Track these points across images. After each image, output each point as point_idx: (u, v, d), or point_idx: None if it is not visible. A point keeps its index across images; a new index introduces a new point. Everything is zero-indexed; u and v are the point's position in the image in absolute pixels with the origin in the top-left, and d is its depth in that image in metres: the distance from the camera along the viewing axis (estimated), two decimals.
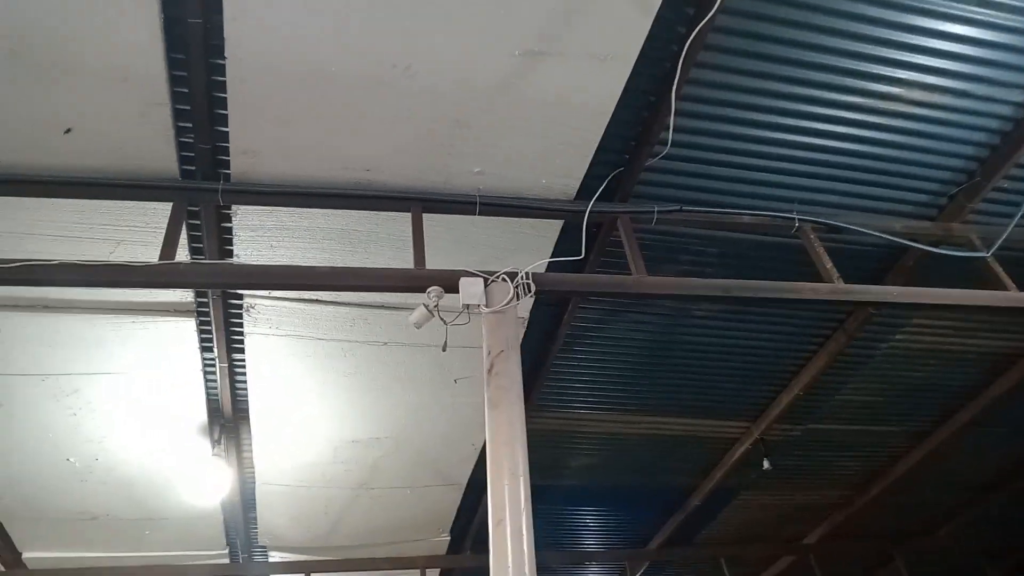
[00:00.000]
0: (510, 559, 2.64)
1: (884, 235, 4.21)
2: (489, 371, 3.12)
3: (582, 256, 3.83)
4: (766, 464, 6.11)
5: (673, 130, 3.53)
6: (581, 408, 5.79)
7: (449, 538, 7.12)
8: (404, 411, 5.34)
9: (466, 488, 6.27)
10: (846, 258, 4.10)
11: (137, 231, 3.74)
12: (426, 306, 3.21)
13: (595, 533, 7.83)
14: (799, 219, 4.09)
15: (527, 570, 2.61)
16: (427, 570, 7.24)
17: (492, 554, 2.65)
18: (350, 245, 4.03)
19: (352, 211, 3.81)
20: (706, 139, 3.82)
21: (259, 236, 3.95)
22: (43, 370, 4.62)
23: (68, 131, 3.21)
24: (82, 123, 3.24)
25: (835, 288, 3.82)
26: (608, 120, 3.50)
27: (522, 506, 2.75)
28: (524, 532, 2.70)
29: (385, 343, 4.69)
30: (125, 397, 4.89)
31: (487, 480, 2.85)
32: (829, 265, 3.92)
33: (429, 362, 4.87)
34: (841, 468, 6.97)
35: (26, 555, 6.42)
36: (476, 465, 5.83)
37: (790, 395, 5.66)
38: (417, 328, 3.31)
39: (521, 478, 2.83)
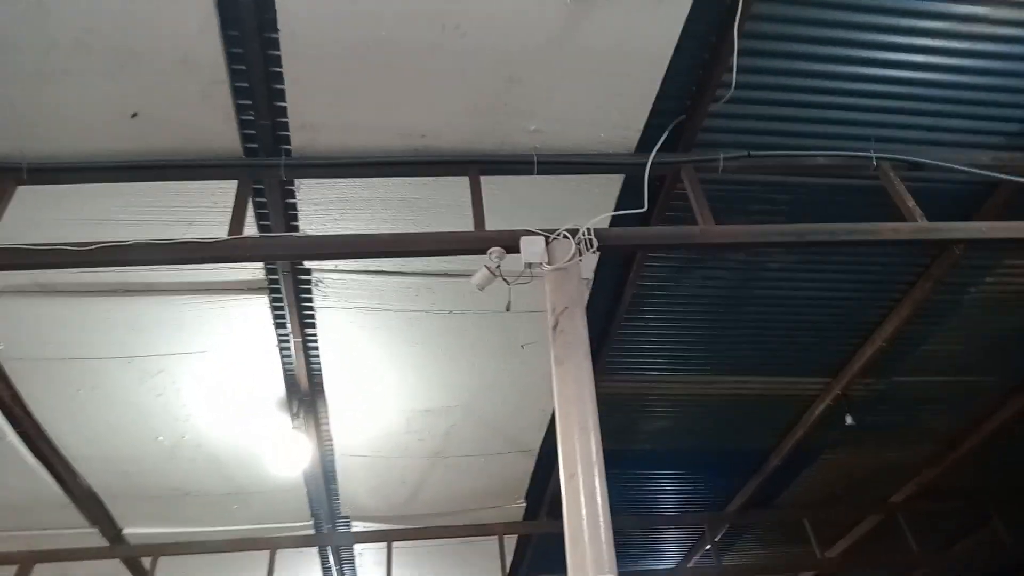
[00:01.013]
0: (584, 513, 2.61)
1: (971, 169, 3.94)
2: (554, 328, 3.08)
3: (645, 209, 3.72)
4: (849, 420, 5.89)
5: (737, 71, 3.37)
6: (652, 370, 5.69)
7: (525, 505, 7.17)
8: (473, 379, 5.36)
9: (539, 454, 6.28)
10: (931, 198, 3.85)
11: (207, 211, 3.84)
12: (488, 267, 3.19)
13: (672, 497, 7.74)
14: (877, 158, 3.87)
15: (601, 522, 2.57)
16: (505, 537, 7.35)
17: (565, 509, 2.63)
18: (411, 213, 4.03)
19: (411, 179, 3.80)
20: (772, 78, 3.64)
21: (323, 209, 3.99)
22: (128, 352, 4.83)
23: (134, 115, 3.29)
24: (147, 108, 3.32)
25: (918, 227, 3.61)
26: (667, 66, 3.37)
27: (593, 459, 2.72)
28: (597, 486, 2.67)
29: (450, 311, 4.70)
30: (207, 375, 5.07)
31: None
32: (911, 204, 3.70)
33: (496, 328, 4.87)
34: (929, 423, 6.65)
35: (126, 531, 6.78)
36: (548, 432, 5.82)
37: (873, 347, 5.41)
38: (480, 290, 3.29)
39: (592, 432, 2.79)
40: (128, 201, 3.70)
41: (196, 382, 5.11)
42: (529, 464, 6.48)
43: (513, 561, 7.79)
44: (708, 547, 7.82)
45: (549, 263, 3.24)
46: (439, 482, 6.59)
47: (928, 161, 3.92)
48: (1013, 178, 3.95)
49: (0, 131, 3.31)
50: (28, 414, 5.17)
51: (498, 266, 3.19)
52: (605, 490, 2.67)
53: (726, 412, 6.24)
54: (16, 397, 5.03)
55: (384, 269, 4.42)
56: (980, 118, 3.96)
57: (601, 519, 2.61)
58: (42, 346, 4.67)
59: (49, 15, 2.90)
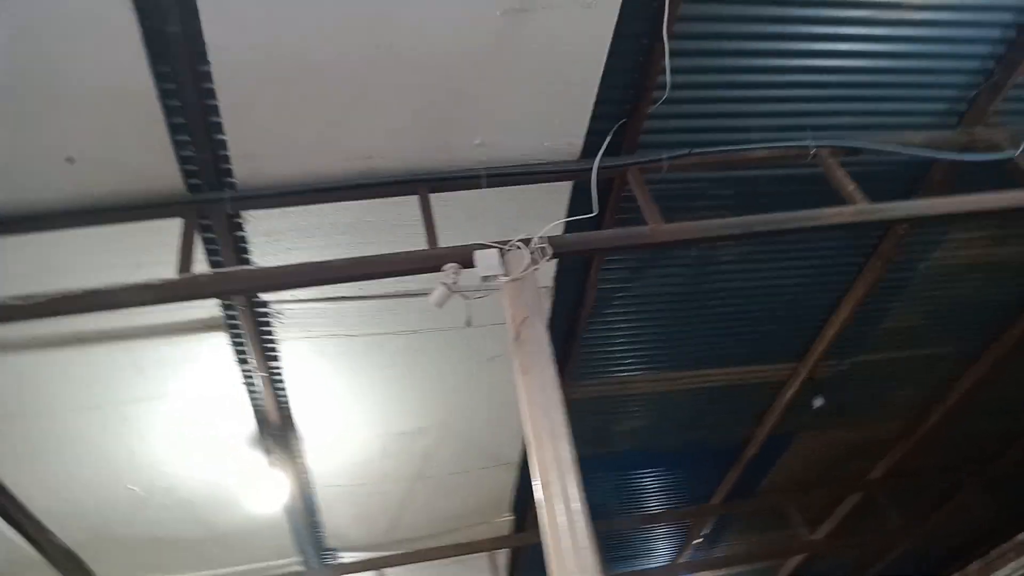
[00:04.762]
0: (561, 521, 2.60)
1: (906, 150, 4.06)
2: (516, 338, 3.09)
3: (596, 213, 3.77)
4: (817, 402, 5.99)
5: (671, 72, 3.44)
6: (620, 372, 5.73)
7: (513, 518, 7.15)
8: (445, 397, 5.35)
9: (520, 466, 6.27)
10: (870, 181, 3.94)
11: (153, 251, 3.78)
12: (444, 284, 3.19)
13: (656, 495, 7.77)
14: (815, 145, 3.97)
15: (580, 528, 2.57)
16: (495, 553, 7.33)
17: (543, 519, 2.62)
18: (363, 236, 4.02)
19: (361, 201, 3.80)
20: (706, 76, 3.72)
21: (274, 240, 3.97)
22: (89, 403, 4.73)
23: (70, 160, 3.25)
24: (83, 151, 3.28)
25: (860, 209, 3.70)
26: (602, 69, 3.43)
27: (566, 466, 2.71)
28: (572, 492, 2.66)
29: (415, 331, 4.70)
30: (172, 419, 4.99)
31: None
32: (852, 187, 3.79)
33: (461, 344, 4.87)
34: (896, 398, 6.79)
35: None
36: (523, 442, 5.82)
37: (833, 329, 5.52)
38: (439, 307, 3.29)
39: (562, 439, 2.79)
40: (72, 248, 3.63)
41: (163, 427, 5.02)
42: (511, 476, 6.47)
43: (510, 574, 7.79)
44: (696, 541, 7.88)
45: (505, 275, 3.26)
46: (422, 504, 6.56)
47: (864, 145, 4.03)
48: (945, 155, 4.08)
49: None
50: None
51: (455, 282, 3.20)
52: (581, 495, 2.65)
53: (697, 406, 6.31)
54: None
55: (342, 295, 4.40)
56: (909, 100, 4.09)
57: (580, 524, 2.59)
58: (1, 402, 4.57)
59: None
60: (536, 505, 2.69)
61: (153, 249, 3.74)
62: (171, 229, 3.63)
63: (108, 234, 3.60)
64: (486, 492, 6.67)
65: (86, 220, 3.48)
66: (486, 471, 6.40)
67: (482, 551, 7.26)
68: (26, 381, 4.46)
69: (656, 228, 3.56)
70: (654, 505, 7.95)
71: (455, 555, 7.04)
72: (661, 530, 8.54)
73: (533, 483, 2.75)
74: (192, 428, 5.10)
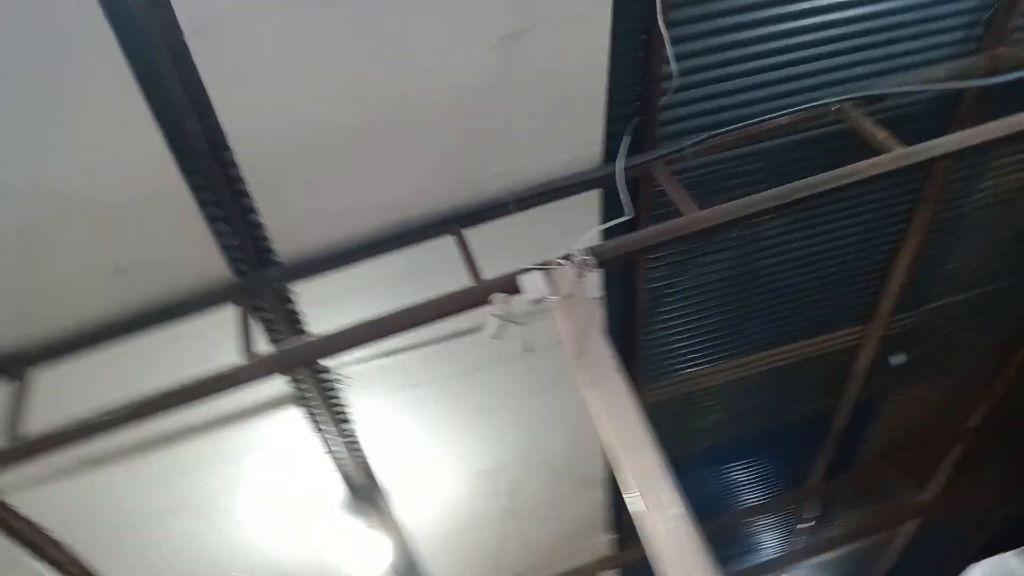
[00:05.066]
0: (663, 532, 2.53)
1: (929, 86, 3.96)
2: (578, 356, 3.08)
3: (631, 215, 3.76)
4: (897, 360, 5.80)
5: (674, 59, 3.44)
6: (688, 367, 5.65)
7: (616, 536, 7.05)
8: (519, 427, 5.34)
9: (609, 482, 6.19)
10: (901, 126, 3.84)
11: (214, 343, 3.90)
12: (496, 316, 3.21)
13: (753, 486, 7.58)
14: (836, 101, 3.89)
15: (685, 536, 2.48)
16: (600, 574, 7.22)
17: (645, 535, 2.55)
18: (411, 285, 4.03)
19: (399, 251, 3.86)
20: (711, 56, 3.69)
21: (325, 309, 4.04)
22: (182, 502, 4.85)
23: (120, 270, 3.39)
24: (131, 258, 3.42)
25: (897, 156, 3.60)
26: (606, 73, 3.45)
27: (658, 473, 2.65)
28: (668, 498, 2.59)
29: (478, 368, 4.71)
30: (262, 501, 5.08)
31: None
32: (883, 135, 3.70)
33: (526, 371, 4.87)
34: (979, 339, 6.53)
35: None
36: (606, 457, 5.76)
37: (896, 282, 5.36)
38: (497, 340, 3.30)
39: (646, 447, 2.74)
40: (128, 361, 3.76)
41: (254, 510, 5.12)
42: (599, 495, 6.40)
43: None
44: (806, 524, 7.62)
45: (554, 294, 3.25)
46: (519, 539, 6.52)
47: (886, 91, 3.94)
48: (971, 83, 3.96)
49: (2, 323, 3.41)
50: None
51: (506, 312, 3.21)
52: (679, 500, 2.56)
53: (773, 387, 6.16)
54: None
55: (400, 347, 4.46)
56: (922, 35, 3.98)
57: (684, 530, 2.51)
58: (101, 518, 4.72)
59: (10, 195, 3.01)
60: (634, 519, 2.64)
61: (214, 340, 3.86)
62: (226, 316, 3.76)
63: (167, 336, 3.72)
64: (577, 515, 6.61)
65: (144, 325, 3.61)
66: (574, 494, 6.35)
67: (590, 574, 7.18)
68: (119, 492, 4.60)
69: (692, 217, 3.52)
70: (753, 497, 7.75)
71: None
72: (766, 521, 8.32)
73: (626, 497, 2.70)
74: (282, 506, 5.18)
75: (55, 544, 4.76)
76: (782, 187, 3.50)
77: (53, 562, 4.79)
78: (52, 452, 3.35)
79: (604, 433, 2.87)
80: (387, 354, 4.46)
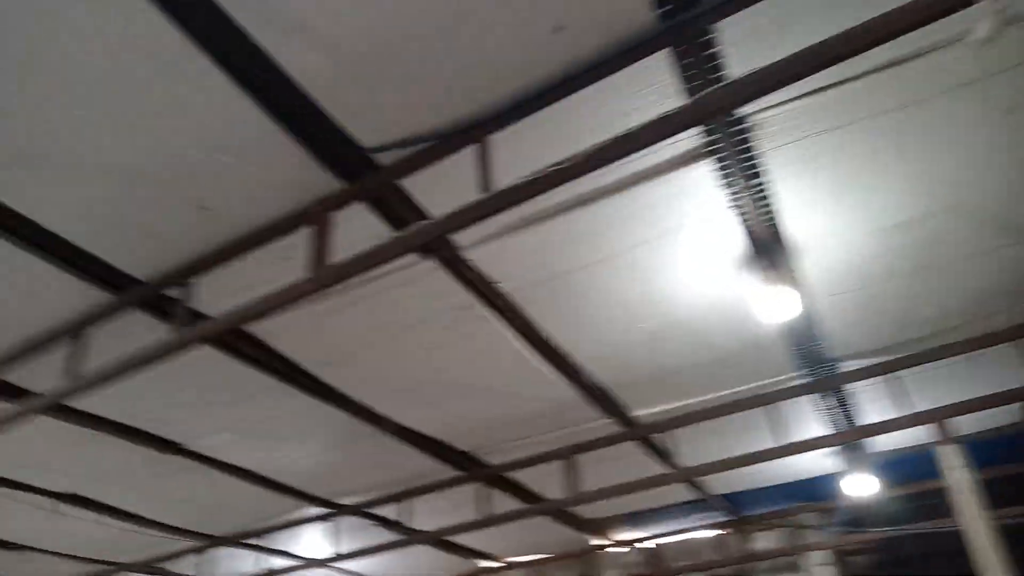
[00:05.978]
0: None
1: None
2: None
3: None
4: None
5: None
6: None
7: None
8: (950, 170, 4.73)
9: None
10: None
11: (638, 97, 3.97)
12: (995, 9, 2.69)
13: None
14: None
15: None
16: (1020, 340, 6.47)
17: None
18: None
19: None
20: None
21: (751, 46, 3.77)
22: (600, 256, 5.30)
23: (559, 30, 3.52)
24: (570, 19, 3.51)
25: None
26: None
27: None
28: None
29: (918, 101, 4.17)
30: (673, 255, 5.32)
31: None
32: None
33: (971, 103, 4.19)
34: None
35: (634, 413, 7.61)
36: None
37: None
38: (989, 43, 2.77)
39: None
40: (571, 118, 4.01)
41: (664, 264, 5.41)
42: None
43: None
44: None
45: None
46: (932, 298, 6.06)
47: None
48: None
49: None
50: (538, 334, 6.05)
51: (1003, 7, 2.67)
52: None
53: None
54: (528, 324, 5.92)
55: (819, 86, 4.10)
56: None
57: None
58: (534, 271, 5.40)
59: None
60: None
61: (637, 96, 3.92)
62: (650, 68, 3.76)
63: (591, 98, 3.86)
64: (1008, 272, 5.86)
65: (582, 83, 3.77)
66: (1002, 250, 5.59)
67: (998, 344, 6.42)
68: (548, 248, 5.17)
69: None
70: None
71: (973, 350, 6.38)
72: None
73: None
74: (691, 260, 5.39)
75: (500, 295, 5.61)
76: None
77: (497, 308, 5.68)
78: (516, 204, 3.77)
79: None
80: (804, 95, 4.15)
